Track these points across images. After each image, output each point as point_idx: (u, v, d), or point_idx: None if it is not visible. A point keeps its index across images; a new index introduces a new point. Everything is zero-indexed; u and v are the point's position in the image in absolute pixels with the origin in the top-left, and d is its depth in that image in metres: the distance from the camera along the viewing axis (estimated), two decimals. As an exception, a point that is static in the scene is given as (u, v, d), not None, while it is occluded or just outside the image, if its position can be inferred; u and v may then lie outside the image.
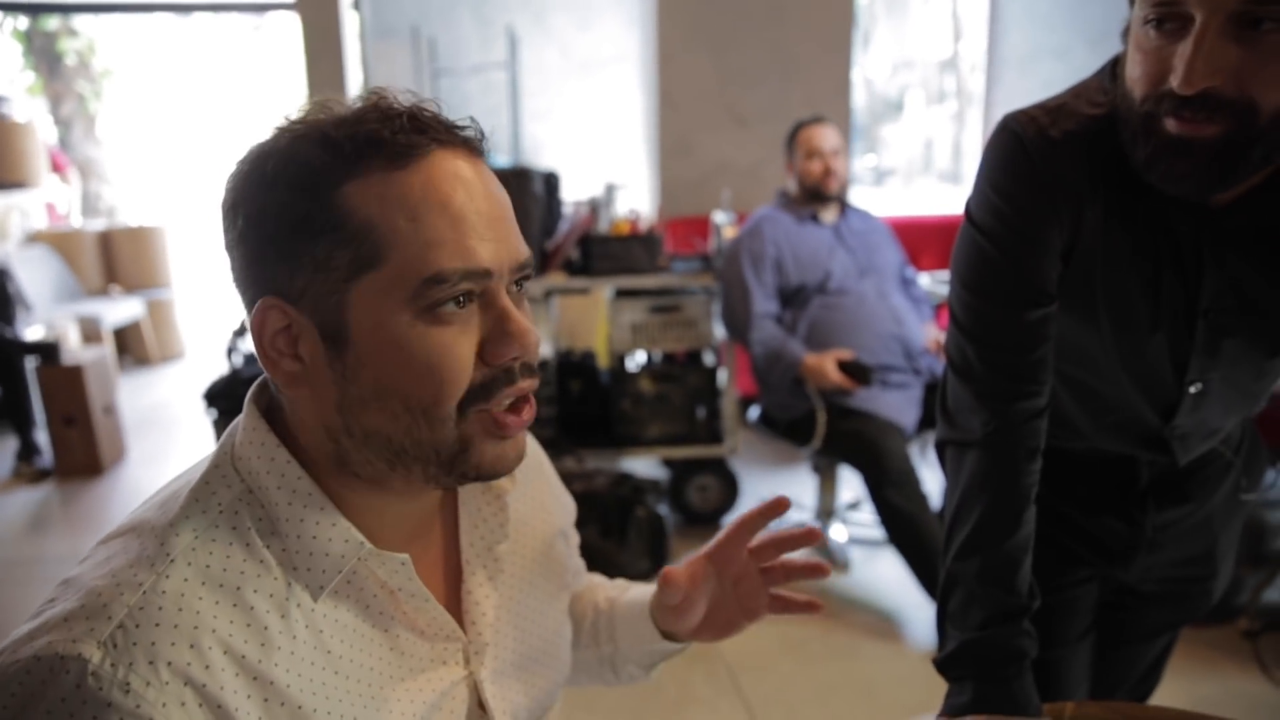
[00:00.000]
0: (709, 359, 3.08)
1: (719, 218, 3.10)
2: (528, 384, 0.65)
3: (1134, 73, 0.83)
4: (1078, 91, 0.94)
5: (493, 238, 0.62)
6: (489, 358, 0.63)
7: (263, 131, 0.64)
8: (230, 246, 0.64)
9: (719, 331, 3.01)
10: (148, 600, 0.57)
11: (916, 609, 2.55)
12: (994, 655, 0.94)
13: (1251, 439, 1.19)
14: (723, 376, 3.04)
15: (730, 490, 3.10)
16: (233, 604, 0.60)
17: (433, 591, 0.70)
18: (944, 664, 0.98)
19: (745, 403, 3.16)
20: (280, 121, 0.64)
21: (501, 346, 0.63)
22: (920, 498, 2.49)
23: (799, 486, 3.38)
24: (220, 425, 3.12)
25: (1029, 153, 0.91)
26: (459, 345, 0.62)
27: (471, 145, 0.65)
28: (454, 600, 0.74)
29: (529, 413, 0.66)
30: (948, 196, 5.90)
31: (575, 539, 0.93)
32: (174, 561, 0.59)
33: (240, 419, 0.68)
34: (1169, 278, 0.93)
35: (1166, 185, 0.86)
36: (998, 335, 0.95)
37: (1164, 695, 2.15)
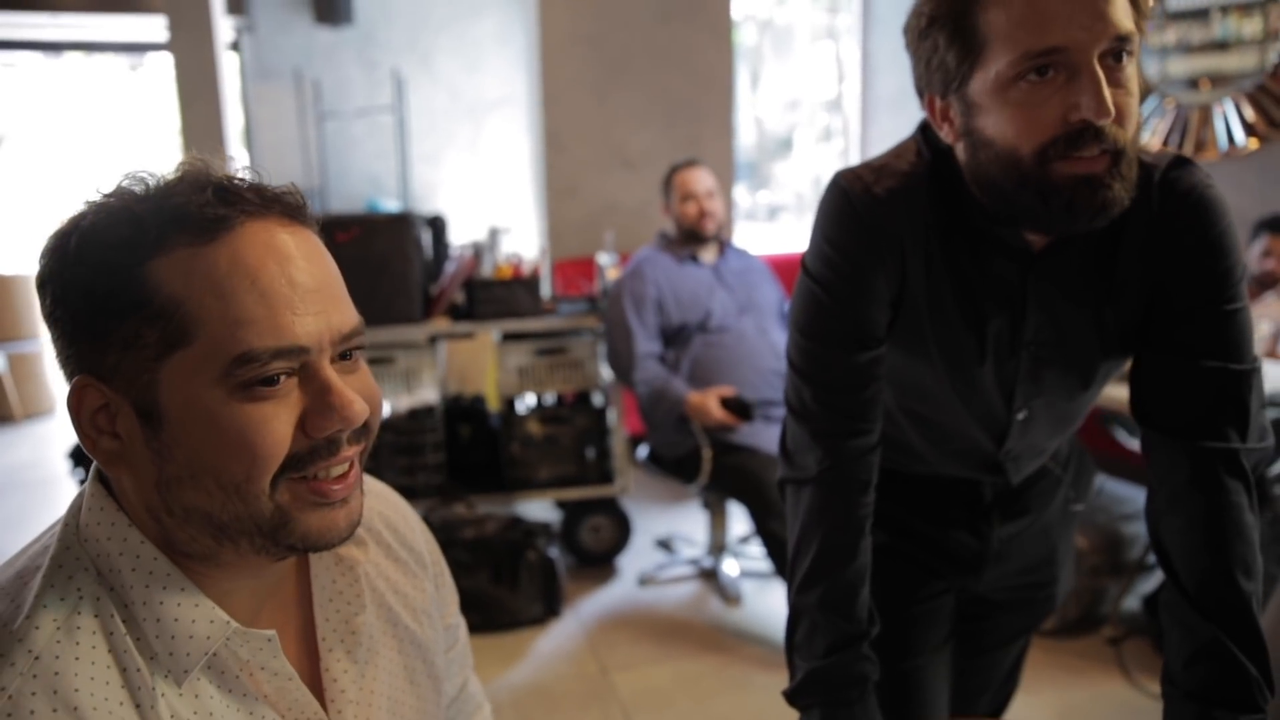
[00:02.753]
0: (597, 400, 3.10)
1: (603, 259, 3.15)
2: (353, 450, 0.65)
3: (1013, 129, 0.86)
4: (897, 152, 1.01)
5: (311, 311, 0.61)
6: (310, 430, 0.62)
7: (74, 205, 0.63)
8: (46, 321, 0.63)
9: (606, 372, 3.04)
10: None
11: (804, 638, 2.60)
12: (838, 681, 0.98)
13: (1079, 454, 1.29)
14: (611, 416, 3.07)
15: (623, 530, 3.12)
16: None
17: None
18: (793, 694, 1.01)
19: (634, 442, 3.18)
20: (92, 195, 0.62)
21: (323, 419, 0.62)
22: (803, 529, 2.54)
23: (690, 523, 3.42)
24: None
25: (855, 208, 0.97)
26: (275, 420, 0.61)
27: (291, 213, 0.64)
28: (315, 679, 0.72)
29: (354, 476, 0.66)
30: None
31: (460, 628, 0.91)
32: (19, 664, 0.57)
33: (83, 497, 0.66)
34: (996, 315, 1.00)
35: (1068, 225, 0.89)
36: (831, 376, 1.01)
37: (1035, 704, 2.26)
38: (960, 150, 0.95)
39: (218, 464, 0.60)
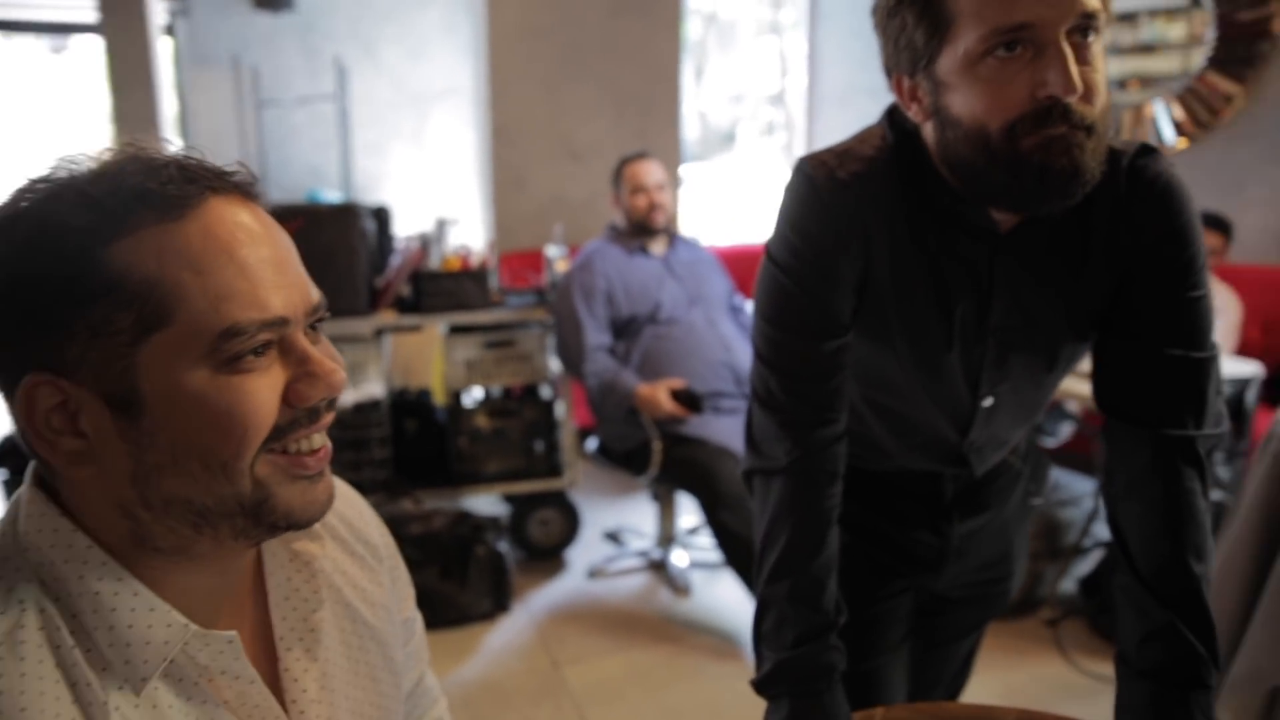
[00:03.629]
0: (545, 392, 3.09)
1: (552, 251, 3.13)
2: (329, 418, 0.65)
3: (981, 106, 0.86)
4: (862, 137, 1.01)
5: (283, 284, 0.61)
6: (294, 399, 0.62)
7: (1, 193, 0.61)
8: None
9: (555, 365, 3.02)
10: None
11: (754, 627, 2.63)
12: (806, 671, 0.97)
13: (1034, 449, 1.30)
14: (560, 409, 3.05)
15: (572, 523, 3.11)
16: None
17: None
18: (761, 684, 1.01)
19: (583, 434, 3.18)
20: (19, 183, 0.60)
21: (308, 388, 0.62)
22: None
23: (639, 514, 3.42)
24: (11, 487, 2.86)
25: (819, 193, 0.97)
26: (262, 391, 0.60)
27: (245, 190, 0.63)
28: (274, 680, 0.70)
29: (326, 450, 0.65)
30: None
31: (417, 622, 0.90)
32: None
33: (19, 503, 0.62)
34: (963, 300, 1.00)
35: (1039, 201, 0.89)
36: (797, 366, 1.00)
37: (977, 686, 2.30)
38: (929, 130, 0.94)
39: (205, 443, 0.59)
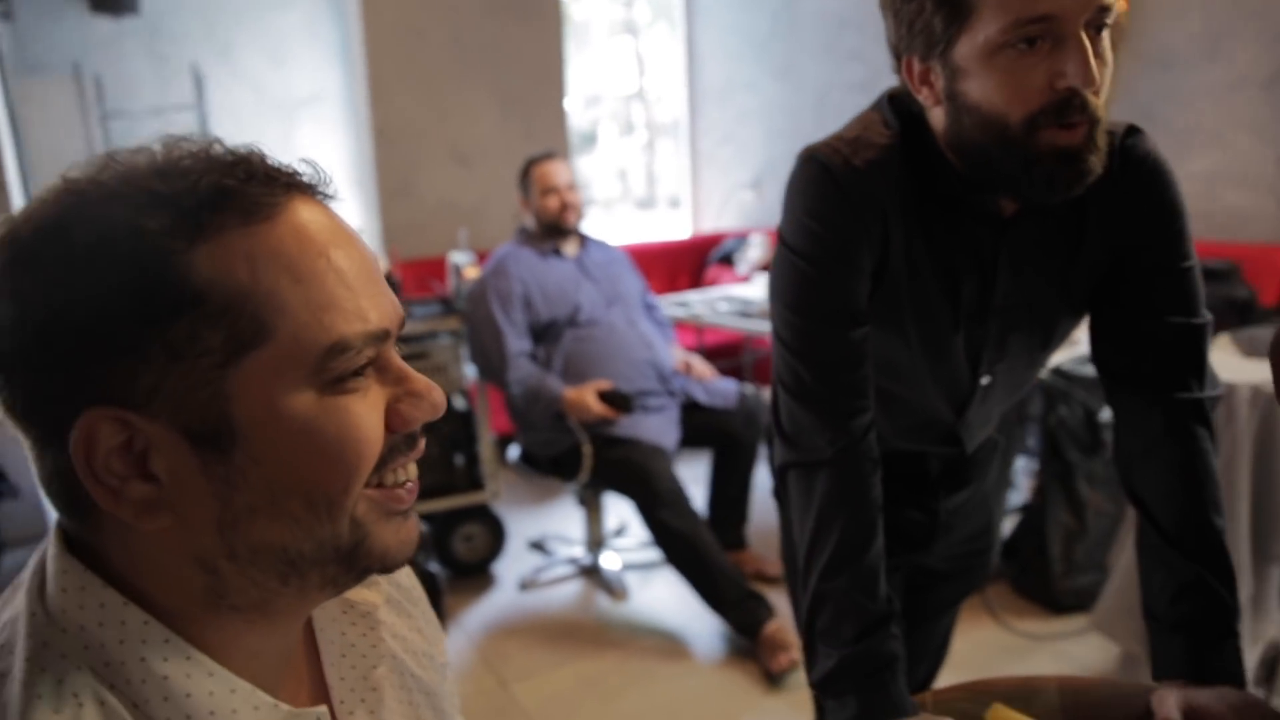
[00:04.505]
0: (460, 404, 2.98)
1: (458, 258, 3.02)
2: (423, 444, 0.58)
3: (1001, 96, 0.87)
4: (864, 124, 1.01)
5: (377, 293, 0.54)
6: (396, 424, 0.55)
7: (32, 200, 0.50)
8: (9, 356, 0.49)
9: (469, 374, 2.92)
10: None
11: (700, 622, 2.63)
12: (871, 664, 0.96)
13: (1008, 424, 1.33)
14: (479, 420, 2.95)
15: (497, 536, 3.01)
16: None
17: None
18: (824, 682, 0.98)
19: (502, 443, 3.09)
20: (54, 185, 0.50)
21: (411, 409, 0.55)
22: (691, 514, 2.56)
23: (565, 520, 3.36)
24: None
25: (838, 181, 0.96)
26: (370, 414, 0.53)
27: (322, 191, 0.56)
28: None
29: (416, 483, 0.58)
30: (648, 223, 6.20)
31: (449, 667, 0.83)
32: None
33: (45, 571, 0.53)
34: (969, 283, 1.02)
35: (1047, 194, 0.92)
36: (830, 354, 1.00)
37: (926, 662, 2.36)
38: (939, 115, 0.95)
39: (311, 478, 0.51)
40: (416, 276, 3.50)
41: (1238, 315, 3.03)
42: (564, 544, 3.17)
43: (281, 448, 0.50)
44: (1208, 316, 1.03)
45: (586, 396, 2.62)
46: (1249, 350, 2.10)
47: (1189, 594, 0.97)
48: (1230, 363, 2.03)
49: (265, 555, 0.52)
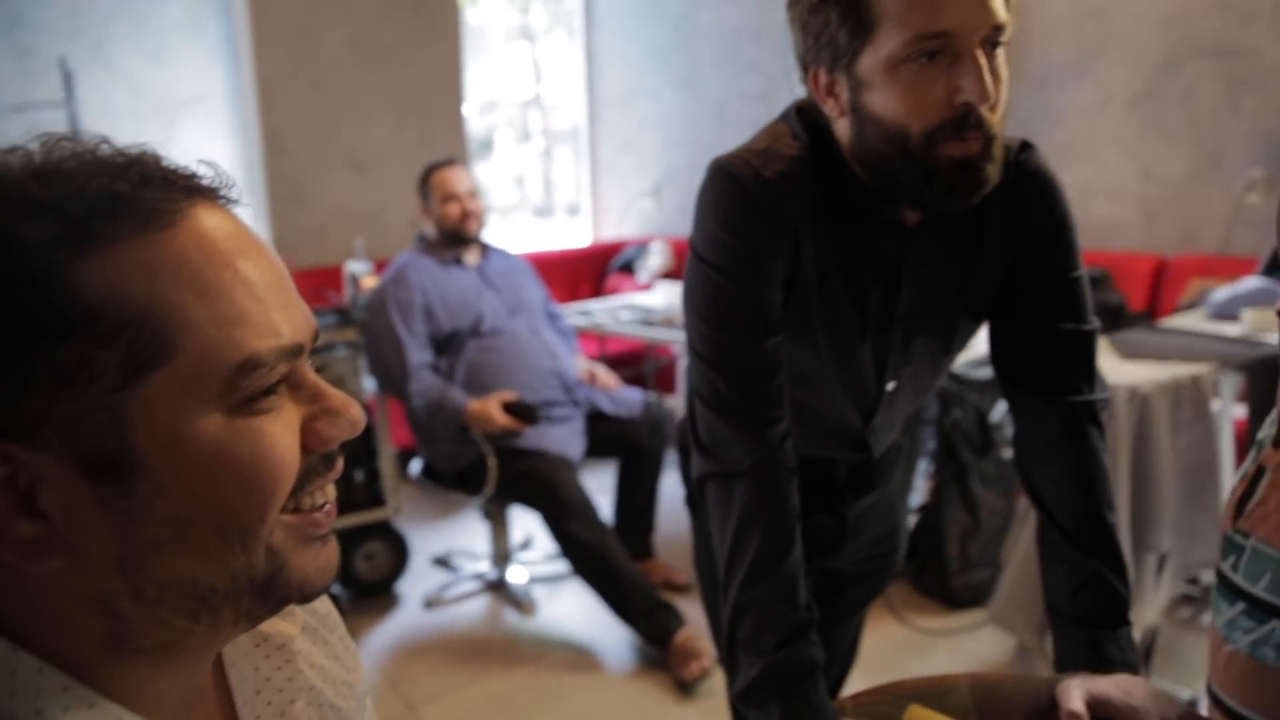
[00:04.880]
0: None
1: (355, 267, 2.93)
2: (340, 466, 0.54)
3: (903, 109, 0.90)
4: (773, 136, 1.02)
5: (289, 304, 0.50)
6: (312, 444, 0.51)
7: None
8: None
9: (368, 387, 2.83)
10: None
11: (610, 634, 2.61)
12: (793, 672, 0.96)
13: (911, 427, 1.38)
14: (379, 434, 2.87)
15: (400, 554, 2.93)
16: None
17: None
18: (747, 692, 0.98)
19: (404, 457, 3.00)
20: None
21: (329, 427, 0.51)
22: (599, 525, 2.55)
23: (469, 534, 3.29)
24: None
25: (748, 192, 0.97)
26: (285, 436, 0.49)
27: (225, 196, 0.51)
28: None
29: (335, 504, 0.55)
30: (546, 231, 6.16)
31: (370, 695, 0.79)
32: None
33: None
34: (875, 291, 1.05)
35: (947, 203, 0.95)
36: (745, 365, 1.00)
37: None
38: (843, 125, 0.97)
39: (222, 507, 0.47)
40: (311, 286, 3.38)
41: (1111, 320, 3.22)
42: (469, 559, 3.11)
43: (189, 476, 0.46)
44: (1096, 322, 1.08)
45: (490, 408, 2.57)
46: (1125, 353, 2.23)
47: (1088, 588, 1.02)
48: (1108, 365, 2.15)
49: (174, 593, 0.48)
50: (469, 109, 4.73)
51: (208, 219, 0.48)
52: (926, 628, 2.55)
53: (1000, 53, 0.91)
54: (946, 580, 2.62)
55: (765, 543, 0.98)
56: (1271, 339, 2.39)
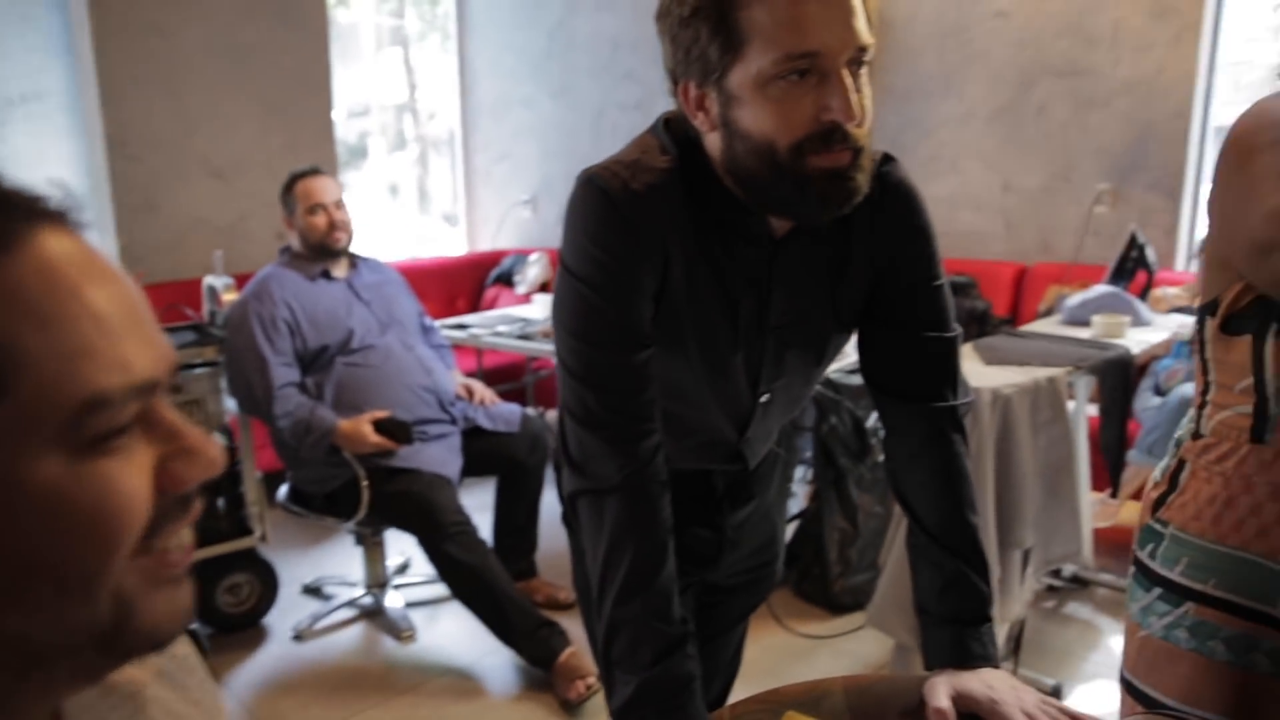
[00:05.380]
0: (220, 441, 2.71)
1: (214, 281, 2.76)
2: (199, 507, 0.50)
3: (771, 124, 0.91)
4: (642, 148, 1.02)
5: (143, 337, 0.46)
6: (167, 485, 0.46)
7: None
8: None
9: (230, 408, 2.66)
10: None
11: (493, 657, 2.53)
12: (670, 687, 0.96)
13: (787, 436, 1.39)
14: (243, 458, 2.70)
15: (267, 585, 2.76)
16: None
17: None
18: (624, 709, 0.97)
19: (270, 482, 2.84)
20: None
21: (186, 468, 0.47)
22: (478, 545, 2.47)
23: (343, 561, 3.15)
24: None
25: (617, 205, 0.97)
26: (135, 479, 0.45)
27: (71, 219, 0.47)
28: None
29: (192, 545, 0.50)
30: (422, 241, 6.01)
31: None
32: None
33: None
34: (746, 303, 1.05)
35: (819, 213, 0.96)
36: (615, 379, 1.00)
37: (718, 675, 2.40)
38: (713, 139, 0.97)
39: (59, 557, 0.43)
40: (166, 302, 3.16)
41: (977, 326, 3.36)
42: (343, 587, 2.96)
43: (23, 523, 0.42)
44: (958, 329, 1.11)
45: (361, 427, 2.46)
46: (989, 358, 2.31)
47: (953, 588, 1.05)
48: (973, 370, 2.22)
49: (4, 650, 0.43)
50: (339, 114, 4.55)
51: (51, 244, 0.44)
52: (809, 633, 2.58)
53: (864, 71, 0.93)
54: (828, 585, 2.66)
55: (637, 558, 0.98)
56: (1119, 342, 2.54)
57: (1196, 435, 1.07)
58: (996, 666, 1.01)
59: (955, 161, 4.05)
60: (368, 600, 2.83)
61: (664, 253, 0.99)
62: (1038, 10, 3.77)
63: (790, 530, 3.05)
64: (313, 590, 2.96)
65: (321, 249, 2.66)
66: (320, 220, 2.64)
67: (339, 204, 2.68)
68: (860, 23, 0.90)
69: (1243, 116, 1.00)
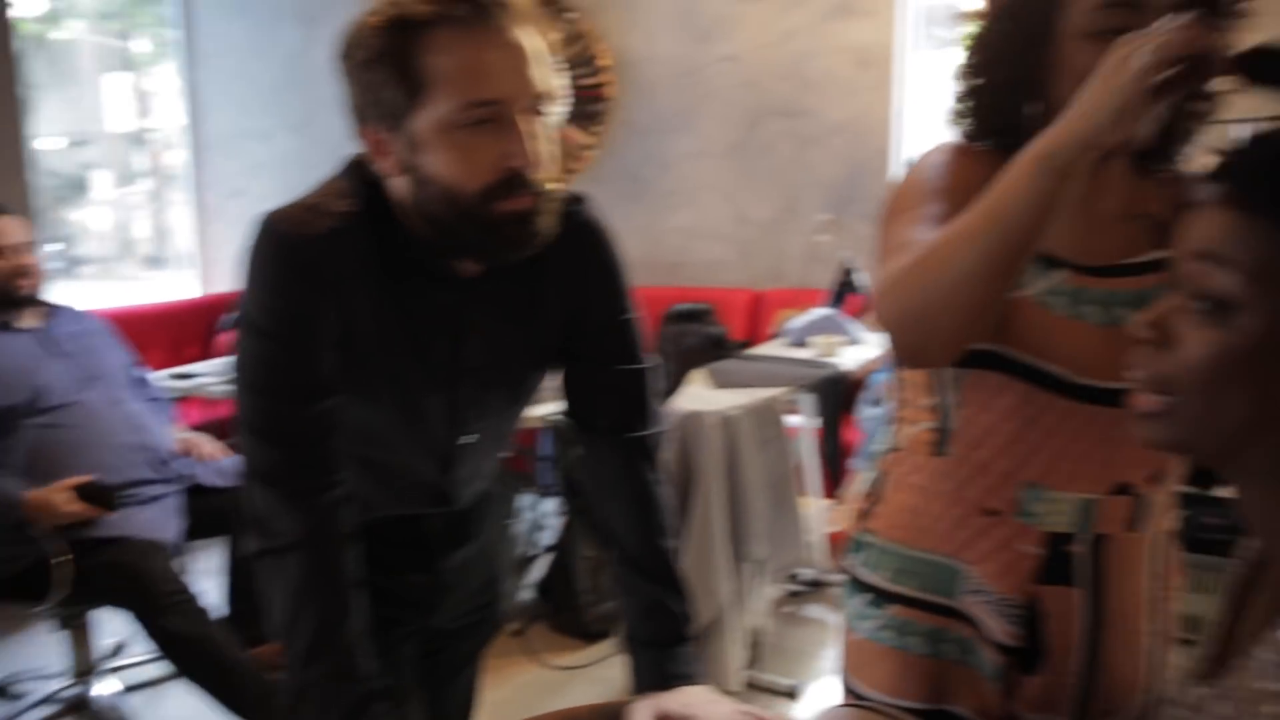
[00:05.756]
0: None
1: None
2: None
3: (455, 170, 0.93)
4: (326, 191, 1.00)
5: None
6: None
7: None
8: None
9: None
10: None
11: (223, 737, 2.32)
12: None
13: (503, 475, 1.39)
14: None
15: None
16: None
17: None
18: None
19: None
20: None
21: None
22: (200, 614, 2.26)
23: (42, 650, 2.77)
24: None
25: (294, 250, 0.95)
26: None
27: None
28: None
29: None
30: (159, 283, 5.54)
31: None
32: None
33: None
34: (438, 345, 1.05)
35: (505, 254, 0.99)
36: (294, 432, 0.98)
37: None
38: (400, 183, 0.97)
39: None
40: None
41: (715, 350, 3.53)
42: (43, 681, 2.61)
43: None
44: (649, 361, 1.16)
45: (54, 496, 2.19)
46: (718, 382, 2.43)
47: (653, 614, 1.09)
48: (703, 394, 2.32)
49: None
50: (51, 143, 4.07)
51: None
52: (562, 664, 2.57)
53: (546, 119, 0.96)
54: (581, 614, 2.68)
55: (321, 617, 0.95)
56: (835, 361, 2.75)
57: (893, 449, 1.14)
58: (698, 684, 1.05)
59: (693, 194, 4.26)
60: (74, 691, 2.51)
61: (345, 298, 0.98)
62: (761, 56, 4.06)
63: (545, 564, 3.04)
64: (1, 691, 2.58)
65: (4, 297, 2.36)
66: (2, 265, 2.34)
67: (26, 246, 2.39)
68: (538, 71, 0.93)
69: (909, 170, 1.08)
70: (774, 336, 3.52)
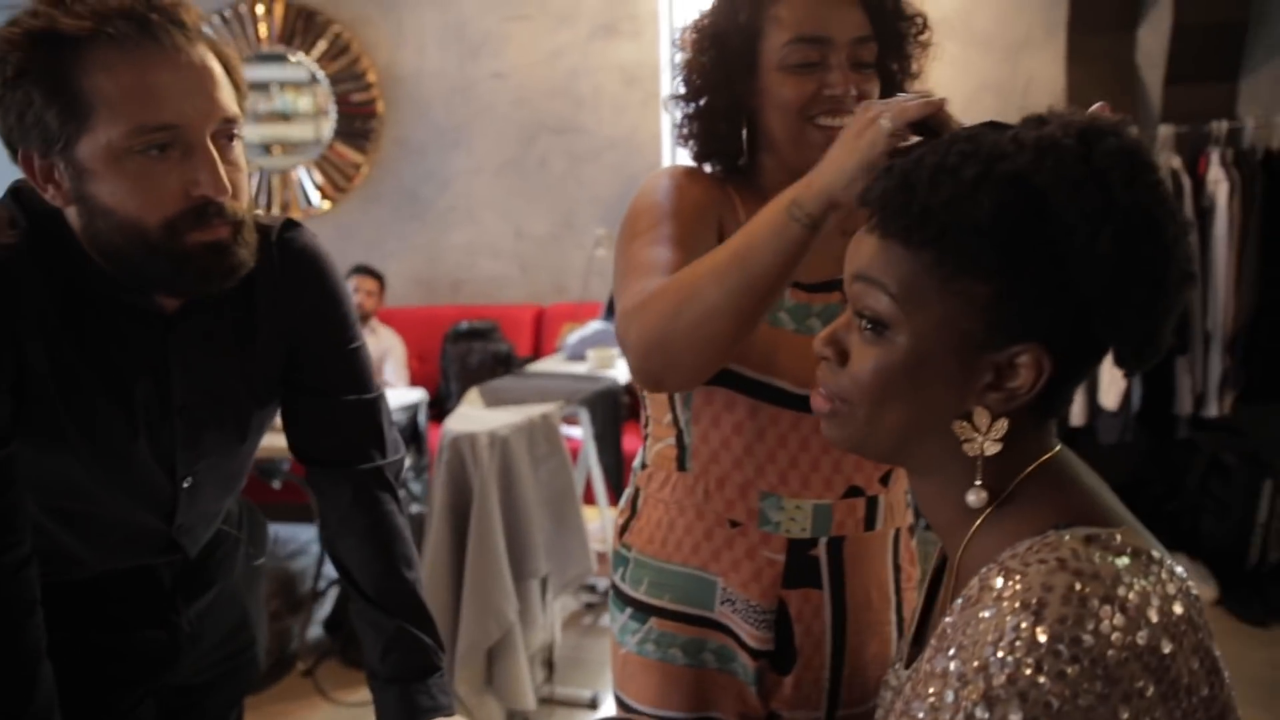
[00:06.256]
0: None
1: None
2: None
3: (134, 201, 0.86)
4: None
5: None
6: None
7: None
8: None
9: None
10: None
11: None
12: None
13: (249, 510, 1.32)
14: None
15: None
16: None
17: None
18: None
19: None
20: None
21: None
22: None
23: None
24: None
25: None
26: None
27: None
28: None
29: None
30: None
31: None
32: None
33: None
34: (141, 386, 0.97)
35: (201, 288, 0.93)
36: None
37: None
38: (73, 214, 0.90)
39: None
40: None
41: (502, 367, 3.56)
42: None
43: None
44: (379, 389, 1.14)
45: None
46: (489, 401, 2.46)
47: (395, 647, 1.06)
48: (473, 414, 2.35)
49: None
50: None
51: None
52: (354, 701, 2.51)
53: (237, 143, 0.92)
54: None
55: (2, 695, 0.87)
56: (610, 374, 2.85)
57: (644, 465, 1.16)
58: (450, 714, 1.04)
59: (471, 211, 4.27)
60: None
61: (15, 340, 0.89)
62: (530, 73, 4.12)
63: (332, 598, 2.96)
64: None
65: None
66: None
67: None
68: (224, 94, 0.88)
69: (639, 194, 1.09)
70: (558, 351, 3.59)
